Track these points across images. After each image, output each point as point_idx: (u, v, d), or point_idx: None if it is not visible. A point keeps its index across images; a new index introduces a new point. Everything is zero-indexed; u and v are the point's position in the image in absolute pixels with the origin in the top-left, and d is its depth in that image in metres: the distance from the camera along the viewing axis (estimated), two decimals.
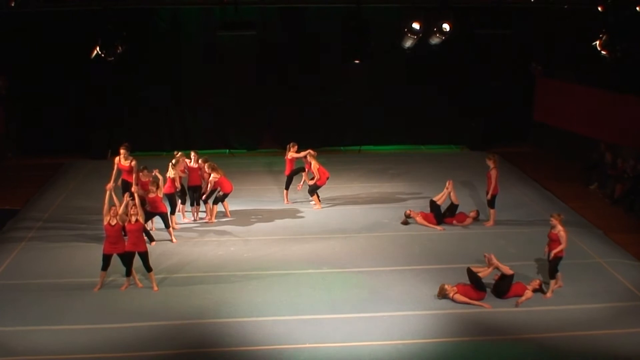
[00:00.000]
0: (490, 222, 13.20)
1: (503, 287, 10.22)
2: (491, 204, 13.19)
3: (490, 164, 12.99)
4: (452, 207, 13.27)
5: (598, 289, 10.59)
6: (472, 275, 10.22)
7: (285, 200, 14.64)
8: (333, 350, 8.85)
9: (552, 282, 10.36)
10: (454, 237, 12.78)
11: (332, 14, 17.43)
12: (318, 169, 13.94)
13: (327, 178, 14.17)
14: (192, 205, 13.51)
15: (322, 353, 8.78)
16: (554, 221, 10.30)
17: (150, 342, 9.05)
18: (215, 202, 13.39)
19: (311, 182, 14.18)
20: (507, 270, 10.17)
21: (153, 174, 12.49)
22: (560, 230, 10.22)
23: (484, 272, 10.27)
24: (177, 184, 12.81)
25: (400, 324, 9.48)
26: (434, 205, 13.23)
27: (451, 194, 13.14)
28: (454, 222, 13.29)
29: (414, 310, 9.86)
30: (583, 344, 9.04)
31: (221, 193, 13.29)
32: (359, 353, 8.79)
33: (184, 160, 13.12)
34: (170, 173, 12.69)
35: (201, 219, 13.57)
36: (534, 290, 10.32)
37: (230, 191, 13.36)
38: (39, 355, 8.73)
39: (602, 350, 8.90)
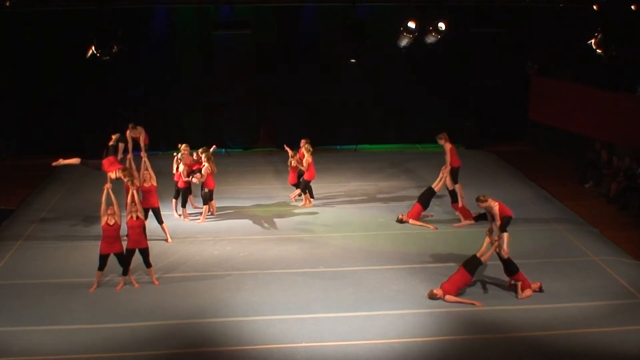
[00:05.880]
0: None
1: (510, 265, 10.32)
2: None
3: (442, 143, 13.39)
4: (452, 194, 13.37)
5: (594, 287, 10.61)
6: (471, 259, 10.30)
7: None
8: (329, 349, 8.85)
9: (506, 235, 10.38)
10: (449, 235, 12.79)
11: (328, 13, 17.41)
12: (309, 164, 13.92)
13: (314, 177, 14.19)
14: (183, 206, 13.52)
15: (319, 352, 8.78)
16: (483, 204, 10.67)
17: (147, 342, 9.03)
18: (205, 202, 13.36)
19: (298, 167, 14.17)
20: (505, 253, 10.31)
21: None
22: (493, 207, 10.59)
23: (485, 255, 10.28)
24: (185, 177, 13.07)
25: (397, 323, 9.49)
26: (420, 195, 13.41)
27: (447, 179, 13.23)
28: (459, 211, 13.42)
29: (410, 309, 9.86)
30: (579, 342, 9.05)
31: (206, 190, 13.28)
32: (356, 352, 8.79)
33: (188, 152, 13.27)
34: (179, 167, 13.07)
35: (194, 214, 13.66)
36: (533, 291, 10.34)
37: (214, 188, 13.43)
38: (34, 355, 8.70)
39: (598, 348, 8.92)
